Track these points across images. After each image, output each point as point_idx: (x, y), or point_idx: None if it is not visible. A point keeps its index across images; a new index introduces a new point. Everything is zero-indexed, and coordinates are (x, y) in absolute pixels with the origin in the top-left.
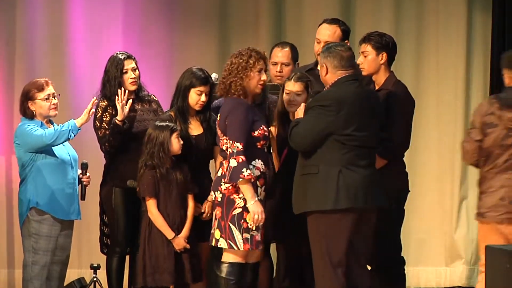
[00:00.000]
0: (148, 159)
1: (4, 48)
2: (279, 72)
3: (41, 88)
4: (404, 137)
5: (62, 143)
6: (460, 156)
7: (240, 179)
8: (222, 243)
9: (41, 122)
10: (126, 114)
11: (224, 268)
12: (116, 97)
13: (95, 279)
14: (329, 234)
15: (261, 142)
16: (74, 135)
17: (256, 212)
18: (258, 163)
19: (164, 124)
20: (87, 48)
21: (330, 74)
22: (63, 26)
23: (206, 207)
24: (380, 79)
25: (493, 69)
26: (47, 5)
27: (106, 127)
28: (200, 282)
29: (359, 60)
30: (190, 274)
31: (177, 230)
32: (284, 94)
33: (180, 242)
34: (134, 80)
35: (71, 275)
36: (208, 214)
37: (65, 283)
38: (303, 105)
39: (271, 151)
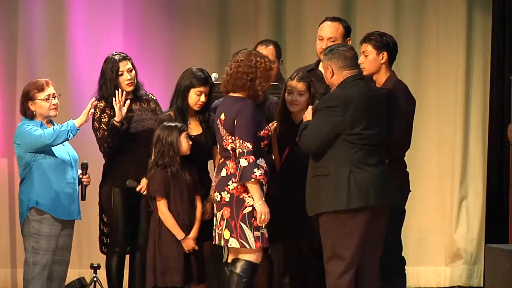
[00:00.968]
0: (159, 158)
1: (5, 49)
2: None
3: (41, 88)
4: (404, 137)
5: (61, 143)
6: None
7: (252, 179)
8: (233, 243)
9: (41, 122)
10: (124, 115)
11: (240, 265)
12: (114, 98)
13: (95, 279)
14: (342, 234)
15: (265, 141)
16: (73, 135)
17: (263, 212)
18: (262, 161)
19: (173, 124)
20: (87, 49)
21: (336, 76)
22: (63, 26)
23: (206, 207)
24: (381, 78)
25: (493, 69)
26: (48, 5)
27: (105, 128)
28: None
29: (360, 60)
30: (197, 275)
31: (186, 231)
32: (286, 94)
33: (189, 243)
34: (130, 81)
35: (71, 275)
36: (209, 214)
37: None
38: (310, 107)
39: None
